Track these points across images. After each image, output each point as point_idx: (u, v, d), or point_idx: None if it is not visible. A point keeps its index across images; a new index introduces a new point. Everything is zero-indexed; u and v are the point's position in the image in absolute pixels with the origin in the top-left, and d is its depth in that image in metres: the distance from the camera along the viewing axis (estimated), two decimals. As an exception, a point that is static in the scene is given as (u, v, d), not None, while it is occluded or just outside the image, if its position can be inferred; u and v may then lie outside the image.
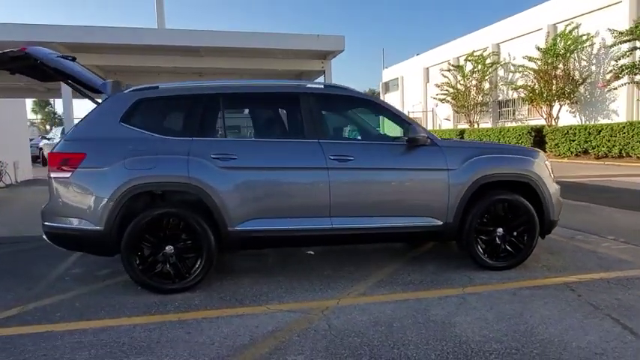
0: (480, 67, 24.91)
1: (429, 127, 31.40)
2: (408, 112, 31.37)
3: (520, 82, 21.67)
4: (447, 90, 26.73)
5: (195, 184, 3.77)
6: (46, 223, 3.84)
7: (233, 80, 4.32)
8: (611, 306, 3.40)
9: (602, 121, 18.76)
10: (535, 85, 20.19)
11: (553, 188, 4.42)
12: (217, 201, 3.79)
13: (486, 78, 25.12)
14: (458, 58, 28.18)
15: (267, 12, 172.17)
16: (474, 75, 25.44)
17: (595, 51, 18.90)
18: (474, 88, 25.53)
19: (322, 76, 8.02)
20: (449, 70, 26.95)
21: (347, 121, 5.08)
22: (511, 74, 24.06)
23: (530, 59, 20.33)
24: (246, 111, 4.52)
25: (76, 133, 3.91)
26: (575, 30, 18.88)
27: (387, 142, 4.28)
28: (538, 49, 20.03)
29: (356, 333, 3.03)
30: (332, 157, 3.98)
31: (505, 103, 25.71)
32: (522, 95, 21.80)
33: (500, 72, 25.29)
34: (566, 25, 19.45)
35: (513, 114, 24.97)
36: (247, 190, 3.85)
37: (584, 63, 19.60)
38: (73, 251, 4.72)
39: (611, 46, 16.54)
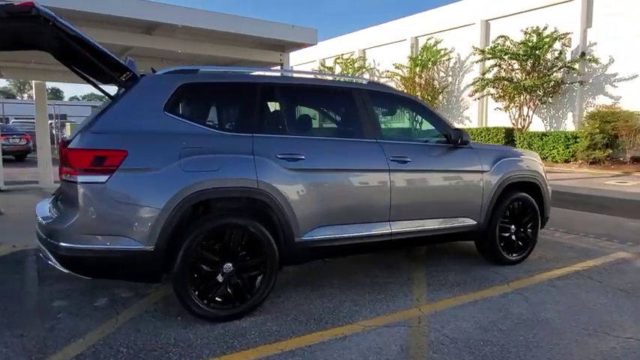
0: (349, 70, 26.36)
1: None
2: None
3: (388, 87, 23.59)
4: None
5: (263, 188, 3.19)
6: (65, 245, 2.80)
7: (284, 70, 3.75)
8: (630, 288, 3.96)
9: (457, 125, 21.64)
10: (403, 90, 22.28)
11: (549, 187, 4.95)
12: (285, 208, 3.28)
13: (354, 81, 26.67)
14: (324, 59, 29.38)
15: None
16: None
17: (452, 64, 21.69)
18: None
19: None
20: (320, 72, 27.90)
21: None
22: (376, 79, 26.04)
23: (398, 67, 22.31)
24: (303, 106, 3.97)
25: (107, 124, 2.94)
26: (437, 44, 21.34)
27: (433, 144, 4.24)
28: (409, 58, 22.09)
29: (479, 339, 2.95)
30: (392, 159, 3.79)
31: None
32: (391, 99, 23.78)
33: (366, 76, 27.14)
34: (428, 39, 21.85)
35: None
36: (315, 195, 3.42)
37: (442, 74, 22.32)
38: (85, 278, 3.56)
39: (467, 62, 19.17)
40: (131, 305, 3.48)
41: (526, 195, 4.65)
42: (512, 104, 16.86)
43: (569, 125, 16.38)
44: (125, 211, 2.85)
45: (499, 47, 16.59)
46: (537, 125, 17.04)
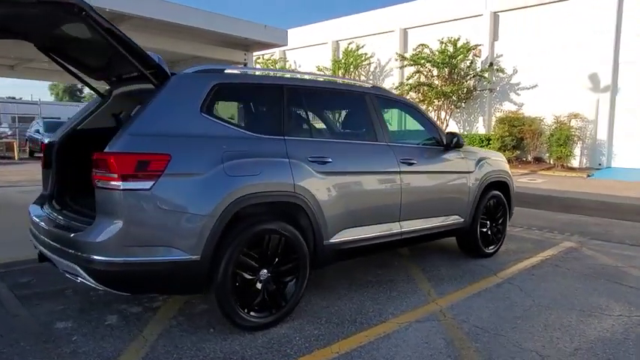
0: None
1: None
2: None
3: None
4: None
5: (299, 192, 3.15)
6: (104, 259, 2.51)
7: (304, 72, 3.68)
8: (600, 273, 4.55)
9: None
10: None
11: (514, 185, 5.48)
12: (317, 211, 3.27)
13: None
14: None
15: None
16: (263, 78, 26.57)
17: (372, 69, 22.63)
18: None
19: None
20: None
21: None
22: (298, 81, 26.34)
23: (321, 69, 22.74)
24: (326, 109, 3.88)
25: (147, 126, 2.68)
26: (359, 49, 22.12)
27: (430, 146, 4.45)
28: (333, 61, 22.58)
29: (506, 327, 3.22)
30: (401, 161, 3.94)
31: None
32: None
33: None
34: (349, 44, 22.57)
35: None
36: (341, 198, 3.45)
37: (363, 78, 23.18)
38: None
39: (387, 67, 20.23)
40: (148, 321, 3.21)
41: (499, 193, 5.10)
42: (431, 108, 18.09)
43: (480, 128, 18.01)
44: (171, 220, 2.64)
45: (420, 55, 17.71)
46: (453, 128, 18.46)
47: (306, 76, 3.74)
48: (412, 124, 4.71)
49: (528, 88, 16.59)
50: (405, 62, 18.36)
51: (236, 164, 2.86)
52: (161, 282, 2.73)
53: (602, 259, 5.12)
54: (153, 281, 2.71)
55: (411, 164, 4.01)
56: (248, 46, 6.63)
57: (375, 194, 3.75)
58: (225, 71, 3.19)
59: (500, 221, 5.16)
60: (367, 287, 3.99)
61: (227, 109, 3.29)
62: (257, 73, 3.41)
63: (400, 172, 3.91)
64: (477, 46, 17.28)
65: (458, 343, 2.97)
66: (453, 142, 4.45)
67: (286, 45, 7.39)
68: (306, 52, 25.68)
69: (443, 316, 3.42)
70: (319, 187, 3.29)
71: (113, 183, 2.52)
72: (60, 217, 3.05)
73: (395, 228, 3.93)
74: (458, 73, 17.36)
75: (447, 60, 17.02)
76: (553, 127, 15.10)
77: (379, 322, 3.28)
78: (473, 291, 3.99)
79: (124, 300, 3.54)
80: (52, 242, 2.84)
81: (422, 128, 4.57)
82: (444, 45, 17.29)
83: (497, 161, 5.21)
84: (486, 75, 17.18)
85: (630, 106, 14.66)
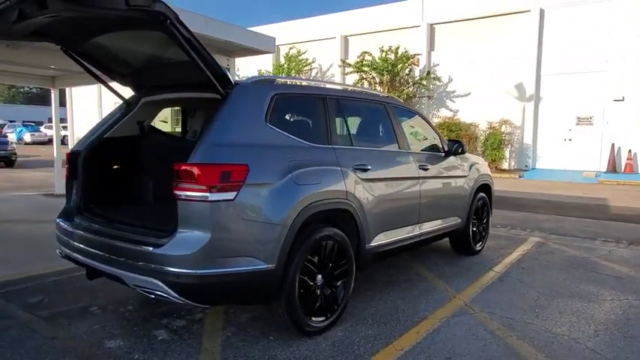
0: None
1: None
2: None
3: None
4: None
5: (350, 199, 3.29)
6: (192, 272, 2.46)
7: (337, 83, 3.79)
8: (575, 264, 5.15)
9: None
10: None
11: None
12: (362, 217, 3.42)
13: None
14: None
15: None
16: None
17: (314, 74, 22.98)
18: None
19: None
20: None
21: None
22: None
23: (262, 73, 22.70)
24: (360, 118, 3.95)
25: (224, 136, 2.66)
26: (300, 54, 22.35)
27: (436, 153, 4.75)
28: (276, 65, 22.58)
29: (532, 316, 3.59)
30: (419, 167, 4.21)
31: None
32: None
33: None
34: (290, 48, 22.75)
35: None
36: (379, 203, 3.63)
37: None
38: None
39: (328, 72, 20.75)
40: (200, 333, 3.15)
41: (484, 194, 5.56)
42: (375, 114, 18.79)
43: (420, 133, 19.04)
44: (252, 230, 2.65)
45: (364, 62, 18.35)
46: (394, 133, 19.32)
47: (338, 86, 3.88)
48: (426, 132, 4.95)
49: (463, 96, 17.87)
50: (350, 69, 18.90)
51: (302, 173, 2.93)
52: (242, 292, 2.73)
53: (569, 251, 5.77)
54: (235, 292, 2.70)
55: (426, 169, 4.30)
56: (231, 51, 6.55)
57: (403, 199, 3.98)
58: (277, 81, 3.24)
59: (484, 221, 5.63)
60: (390, 287, 4.19)
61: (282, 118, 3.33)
62: (303, 83, 3.48)
63: (419, 178, 4.18)
64: (415, 55, 18.28)
65: (500, 333, 3.27)
66: (453, 149, 4.80)
67: (273, 52, 7.41)
68: (248, 57, 25.43)
69: (471, 310, 3.72)
70: (363, 194, 3.44)
71: (200, 194, 2.49)
72: (113, 230, 2.90)
73: (415, 230, 4.18)
74: (399, 80, 18.24)
75: (389, 67, 17.82)
76: (487, 133, 16.41)
77: (420, 319, 3.49)
78: (482, 285, 4.35)
79: (160, 314, 3.44)
80: (116, 257, 2.71)
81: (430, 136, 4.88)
82: (384, 53, 18.09)
83: (483, 165, 5.68)
84: (424, 83, 18.24)
85: (550, 113, 16.36)
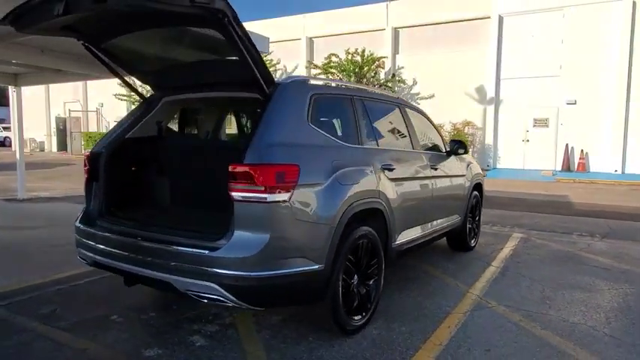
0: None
1: (93, 130, 28.60)
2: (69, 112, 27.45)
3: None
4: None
5: (382, 198, 3.34)
6: (251, 274, 2.42)
7: (356, 84, 3.81)
8: (562, 257, 5.46)
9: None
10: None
11: (483, 184, 6.24)
12: (390, 216, 3.48)
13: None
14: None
15: None
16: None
17: (279, 75, 22.89)
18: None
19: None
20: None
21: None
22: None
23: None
24: (383, 119, 3.94)
25: (275, 136, 2.62)
26: (264, 55, 22.21)
27: (440, 152, 4.88)
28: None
29: (546, 306, 3.78)
30: (430, 166, 4.33)
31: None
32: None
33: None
34: (254, 49, 22.58)
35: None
36: (403, 202, 3.70)
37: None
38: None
39: (293, 73, 20.84)
40: (236, 338, 3.10)
41: (477, 193, 5.79)
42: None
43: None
44: (304, 230, 2.64)
45: (332, 63, 18.50)
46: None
47: (360, 87, 3.92)
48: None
49: (427, 98, 18.39)
50: (317, 70, 18.99)
51: (344, 173, 2.94)
52: (295, 293, 2.71)
53: (553, 246, 6.10)
54: (289, 293, 2.68)
55: (436, 169, 4.42)
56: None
57: (420, 198, 4.08)
58: (311, 82, 3.24)
59: (477, 218, 5.85)
60: (405, 285, 4.28)
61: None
62: (332, 83, 3.49)
63: (431, 177, 4.29)
64: (381, 57, 18.65)
65: (524, 325, 3.42)
66: (454, 149, 4.97)
67: (267, 53, 7.33)
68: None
69: (488, 303, 3.86)
70: (391, 193, 3.50)
71: (258, 195, 2.45)
72: (153, 233, 2.78)
73: (428, 228, 4.30)
74: (366, 82, 18.53)
75: (356, 69, 18.08)
76: (452, 134, 16.99)
77: (445, 314, 3.59)
78: (488, 280, 4.52)
79: (187, 320, 3.34)
80: (163, 262, 2.60)
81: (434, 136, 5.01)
82: (351, 55, 18.34)
83: (476, 165, 5.90)
84: (390, 85, 18.64)
85: (509, 115, 17.19)
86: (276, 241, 2.52)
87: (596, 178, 14.56)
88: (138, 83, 6.68)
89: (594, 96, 15.73)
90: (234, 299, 2.48)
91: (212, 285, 2.46)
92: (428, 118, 5.05)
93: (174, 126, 3.94)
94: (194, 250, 2.55)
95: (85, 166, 3.28)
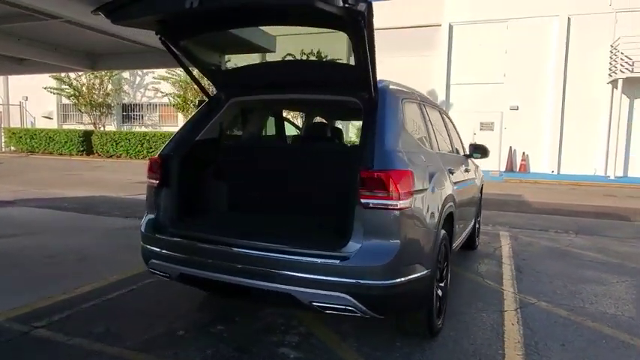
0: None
1: (16, 125, 26.20)
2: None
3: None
4: (68, 87, 23.51)
5: (454, 202, 3.41)
6: (386, 283, 2.37)
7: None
8: (558, 254, 5.90)
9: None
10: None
11: (481, 185, 6.56)
12: (455, 220, 3.58)
13: (110, 79, 24.05)
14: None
15: None
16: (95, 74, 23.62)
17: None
18: (97, 88, 23.85)
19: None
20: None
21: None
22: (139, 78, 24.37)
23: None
24: (434, 122, 3.92)
25: (391, 142, 2.59)
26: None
27: (463, 155, 5.04)
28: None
29: (571, 300, 4.09)
30: (465, 170, 4.49)
31: (132, 107, 25.36)
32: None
33: (126, 74, 24.71)
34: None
35: (142, 119, 25.14)
36: (460, 205, 3.81)
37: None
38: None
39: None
40: (325, 347, 3.01)
41: (480, 195, 6.09)
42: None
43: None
44: (420, 236, 2.64)
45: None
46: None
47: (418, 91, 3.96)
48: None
49: (381, 101, 18.90)
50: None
51: (436, 179, 2.99)
52: (412, 299, 2.67)
53: (541, 242, 6.57)
54: (408, 300, 2.64)
55: (468, 172, 4.60)
56: (224, 47, 6.14)
57: (466, 200, 4.25)
58: (391, 87, 3.22)
59: (478, 219, 6.15)
60: (442, 285, 4.41)
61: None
62: (405, 89, 3.48)
63: (466, 180, 4.46)
64: (336, 60, 18.83)
65: (574, 319, 3.66)
66: (473, 152, 5.18)
67: (274, 51, 7.07)
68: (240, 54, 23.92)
69: (529, 300, 4.09)
70: (456, 197, 3.59)
71: (390, 202, 2.41)
72: (258, 242, 2.62)
73: (466, 229, 4.47)
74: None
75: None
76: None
77: (500, 311, 3.76)
78: (511, 277, 4.77)
79: (259, 332, 3.20)
80: (282, 272, 2.46)
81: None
82: (306, 56, 18.34)
83: (479, 168, 6.20)
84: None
85: (459, 119, 18.07)
86: (405, 248, 2.51)
87: (537, 179, 15.84)
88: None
89: (534, 102, 17.09)
90: (365, 309, 2.42)
91: (343, 295, 2.38)
92: (451, 121, 5.23)
93: (244, 128, 3.74)
94: (324, 260, 2.44)
95: (152, 170, 3.01)
